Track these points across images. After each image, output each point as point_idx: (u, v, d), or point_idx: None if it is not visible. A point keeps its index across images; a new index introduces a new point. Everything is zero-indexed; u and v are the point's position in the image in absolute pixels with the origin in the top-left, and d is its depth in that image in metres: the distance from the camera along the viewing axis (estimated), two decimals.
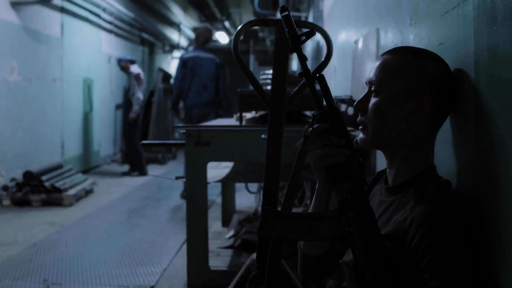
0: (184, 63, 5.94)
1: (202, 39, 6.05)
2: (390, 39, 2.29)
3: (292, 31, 1.10)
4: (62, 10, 6.98)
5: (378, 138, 1.18)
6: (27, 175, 5.50)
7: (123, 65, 7.76)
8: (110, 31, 8.85)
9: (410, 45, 1.86)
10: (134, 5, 9.83)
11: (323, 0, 5.65)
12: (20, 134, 5.93)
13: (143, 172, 7.59)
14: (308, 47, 8.13)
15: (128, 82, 7.85)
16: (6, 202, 5.36)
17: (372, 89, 1.19)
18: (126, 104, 7.91)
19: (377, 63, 1.21)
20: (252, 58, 8.87)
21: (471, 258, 1.02)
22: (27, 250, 3.89)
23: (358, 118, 1.22)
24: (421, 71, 1.16)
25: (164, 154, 9.01)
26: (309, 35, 1.10)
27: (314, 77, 1.10)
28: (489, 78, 1.09)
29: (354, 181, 1.05)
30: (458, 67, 1.26)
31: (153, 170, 8.25)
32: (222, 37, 15.37)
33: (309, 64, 7.39)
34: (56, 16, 6.84)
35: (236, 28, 15.60)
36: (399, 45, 2.16)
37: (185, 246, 4.00)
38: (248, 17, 15.46)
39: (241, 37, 1.94)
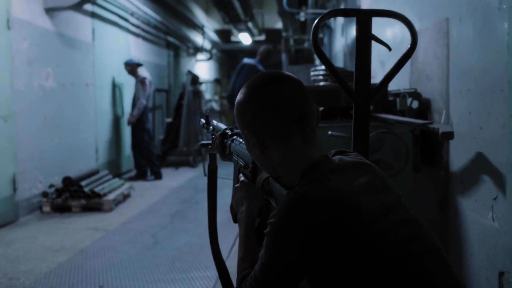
0: (242, 66, 6.48)
1: (264, 55, 6.61)
2: (467, 30, 2.18)
3: None
4: (93, 15, 6.98)
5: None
6: (66, 180, 5.47)
7: (129, 69, 7.52)
8: (137, 35, 8.84)
9: (506, 33, 1.77)
10: (159, 9, 9.83)
11: None
12: (56, 140, 5.92)
13: (145, 177, 7.53)
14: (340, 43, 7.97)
15: (135, 86, 7.60)
16: (47, 208, 5.34)
17: None
18: (133, 108, 7.56)
19: None
20: (284, 57, 8.79)
21: (280, 263, 1.06)
22: (76, 256, 3.86)
23: None
24: (236, 109, 1.23)
25: (195, 157, 8.98)
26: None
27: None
28: None
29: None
30: None
31: (185, 173, 8.23)
32: (245, 38, 15.34)
33: (342, 60, 7.30)
34: (87, 21, 6.83)
35: (258, 29, 15.61)
36: (481, 37, 2.05)
37: (234, 249, 3.97)
38: (271, 17, 15.41)
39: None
